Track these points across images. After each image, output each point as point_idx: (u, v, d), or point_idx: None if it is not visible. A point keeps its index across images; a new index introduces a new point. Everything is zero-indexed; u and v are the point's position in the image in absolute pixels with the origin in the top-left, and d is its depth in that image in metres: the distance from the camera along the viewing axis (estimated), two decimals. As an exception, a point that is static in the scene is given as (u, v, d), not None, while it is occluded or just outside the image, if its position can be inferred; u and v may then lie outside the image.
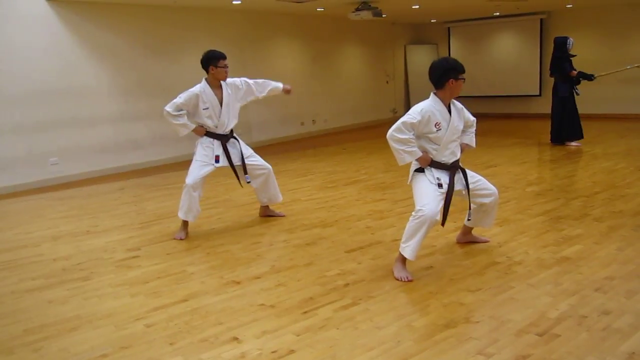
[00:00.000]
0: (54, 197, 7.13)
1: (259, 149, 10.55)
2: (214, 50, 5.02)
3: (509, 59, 14.34)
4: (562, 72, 9.04)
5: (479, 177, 4.06)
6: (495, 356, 2.72)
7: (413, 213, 3.74)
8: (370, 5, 10.02)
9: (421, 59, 15.34)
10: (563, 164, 7.77)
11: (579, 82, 9.09)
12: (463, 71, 3.76)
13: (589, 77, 9.09)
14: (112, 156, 8.80)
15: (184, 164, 9.30)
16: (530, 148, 9.51)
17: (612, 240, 4.37)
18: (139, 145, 9.17)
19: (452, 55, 15.06)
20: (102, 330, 3.21)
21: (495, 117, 14.30)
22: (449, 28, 15.05)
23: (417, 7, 11.36)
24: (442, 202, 3.78)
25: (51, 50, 8.06)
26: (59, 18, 8.11)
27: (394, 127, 3.73)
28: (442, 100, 3.79)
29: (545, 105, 13.52)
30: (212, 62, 4.96)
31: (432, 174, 3.80)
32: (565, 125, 9.18)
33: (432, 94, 3.84)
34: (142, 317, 3.36)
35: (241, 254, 4.44)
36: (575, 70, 8.98)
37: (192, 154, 5.18)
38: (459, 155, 3.92)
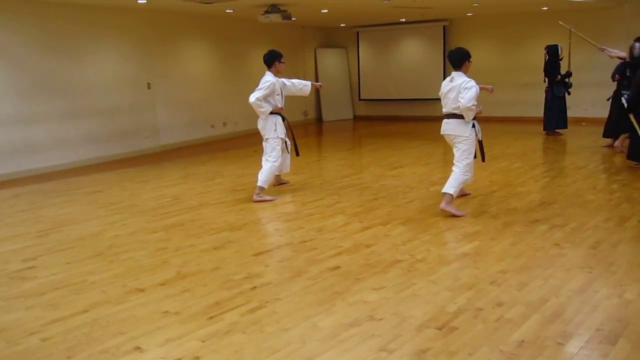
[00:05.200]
0: (-59, 206, 6.62)
1: (167, 153, 10.41)
2: (277, 50, 6.26)
3: (414, 63, 14.85)
4: None
5: None
6: (397, 352, 2.81)
7: (464, 170, 5.26)
8: (279, 9, 10.05)
9: (331, 62, 15.56)
10: (464, 165, 8.13)
11: None
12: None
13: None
14: (6, 161, 8.27)
15: (87, 168, 8.97)
16: (435, 149, 9.88)
17: (506, 236, 4.63)
18: (37, 149, 8.68)
19: (361, 59, 15.42)
20: (-8, 347, 3.02)
21: (402, 119, 14.78)
22: (358, 32, 15.38)
23: (326, 11, 11.53)
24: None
25: None
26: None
27: (470, 98, 5.05)
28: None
29: (449, 108, 14.12)
30: (278, 58, 6.17)
31: (477, 127, 5.33)
32: None
33: (461, 72, 5.25)
34: (37, 331, 3.19)
35: (146, 261, 4.32)
36: None
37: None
38: None
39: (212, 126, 12.16)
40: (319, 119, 15.63)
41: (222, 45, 12.36)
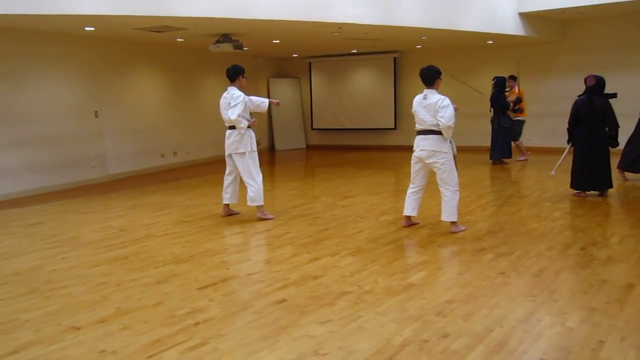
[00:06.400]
0: None
1: (114, 183, 10.15)
2: (240, 65, 6.44)
3: (366, 94, 15.07)
4: None
5: None
6: (341, 387, 2.75)
7: (453, 190, 5.52)
8: (230, 38, 10.05)
9: (284, 91, 15.63)
10: (414, 194, 8.21)
11: None
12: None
13: None
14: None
15: (29, 199, 8.62)
16: (386, 178, 9.98)
17: (453, 265, 4.66)
18: (-24, 180, 8.33)
19: (313, 89, 15.56)
20: None
21: (354, 149, 14.91)
22: (310, 63, 15.54)
23: (278, 41, 11.61)
24: None
25: None
26: None
27: (450, 117, 5.31)
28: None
29: (400, 138, 14.37)
30: (241, 73, 6.36)
31: (453, 143, 5.56)
32: None
33: (433, 90, 5.52)
34: (-40, 375, 2.99)
35: (84, 297, 4.13)
36: None
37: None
38: None
39: (163, 155, 11.97)
40: (272, 148, 15.61)
41: (173, 74, 12.26)
